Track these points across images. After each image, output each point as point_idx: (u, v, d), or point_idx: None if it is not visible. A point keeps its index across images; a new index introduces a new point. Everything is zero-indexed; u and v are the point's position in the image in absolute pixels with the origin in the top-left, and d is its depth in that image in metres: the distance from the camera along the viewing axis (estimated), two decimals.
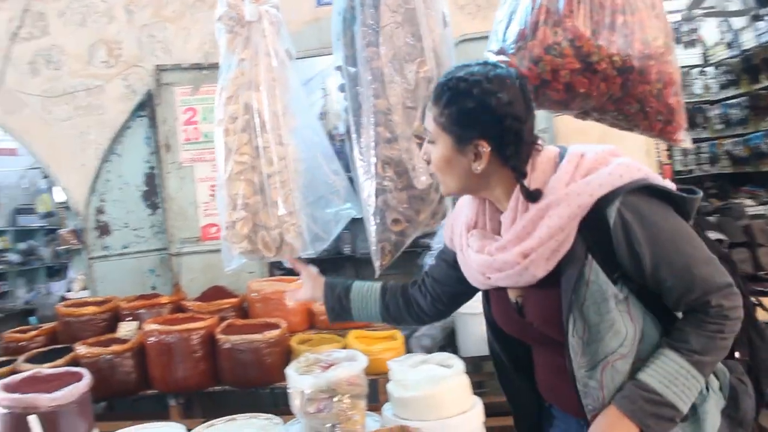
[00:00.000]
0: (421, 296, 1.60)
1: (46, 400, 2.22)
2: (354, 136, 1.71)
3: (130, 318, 3.70)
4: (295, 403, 2.23)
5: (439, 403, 2.07)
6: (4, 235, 10.06)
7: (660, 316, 1.27)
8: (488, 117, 1.24)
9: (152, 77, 4.35)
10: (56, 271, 10.03)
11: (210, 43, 4.30)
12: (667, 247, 1.20)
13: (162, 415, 3.32)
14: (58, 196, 7.41)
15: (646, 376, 1.21)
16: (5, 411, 2.22)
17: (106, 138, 4.42)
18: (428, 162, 1.33)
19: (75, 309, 3.73)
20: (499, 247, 1.27)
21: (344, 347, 3.21)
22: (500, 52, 1.62)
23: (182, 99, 4.27)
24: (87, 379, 2.42)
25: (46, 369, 2.61)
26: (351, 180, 1.84)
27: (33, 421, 2.08)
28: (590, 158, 1.26)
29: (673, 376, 1.19)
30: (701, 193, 1.32)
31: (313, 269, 1.77)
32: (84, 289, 4.95)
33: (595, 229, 1.21)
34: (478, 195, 1.34)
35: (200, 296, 3.85)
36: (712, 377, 1.27)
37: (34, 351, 3.56)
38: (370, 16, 1.72)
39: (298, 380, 2.22)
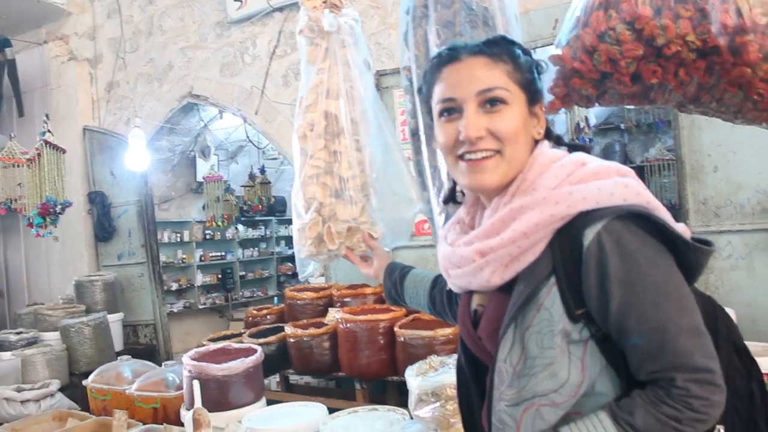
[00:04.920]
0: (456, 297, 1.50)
1: (214, 369, 2.60)
2: (423, 139, 1.68)
3: (339, 305, 4.05)
4: (410, 402, 2.27)
5: None
6: None
7: (624, 378, 1.00)
8: (537, 74, 1.16)
9: (376, 82, 4.66)
10: None
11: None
12: (643, 296, 0.95)
13: (350, 395, 3.60)
14: None
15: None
16: (188, 374, 2.66)
17: None
18: (475, 138, 1.08)
19: (297, 294, 4.22)
20: (467, 241, 1.14)
21: None
22: (557, 44, 1.42)
23: (399, 101, 4.50)
24: (255, 356, 2.76)
25: (234, 344, 3.02)
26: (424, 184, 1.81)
27: (195, 385, 2.46)
28: (590, 169, 1.05)
29: None
30: (714, 248, 1.02)
31: (385, 249, 1.78)
32: (322, 275, 5.52)
33: (566, 249, 1.02)
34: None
35: None
36: None
37: (262, 327, 4.13)
38: (445, 15, 1.66)
39: (410, 380, 2.25)
